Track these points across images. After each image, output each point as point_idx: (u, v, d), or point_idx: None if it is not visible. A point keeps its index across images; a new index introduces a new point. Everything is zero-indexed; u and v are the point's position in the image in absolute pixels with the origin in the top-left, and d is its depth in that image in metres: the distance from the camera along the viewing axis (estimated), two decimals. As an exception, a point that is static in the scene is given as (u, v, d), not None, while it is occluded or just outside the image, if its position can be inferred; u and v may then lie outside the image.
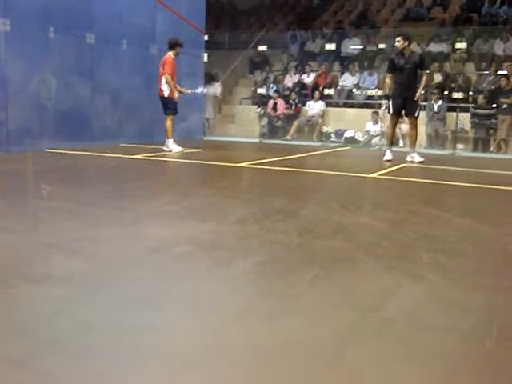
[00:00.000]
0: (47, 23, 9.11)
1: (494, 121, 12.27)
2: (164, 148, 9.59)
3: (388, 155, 9.13)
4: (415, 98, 8.85)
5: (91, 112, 10.06)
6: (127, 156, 8.52)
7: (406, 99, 8.86)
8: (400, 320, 2.47)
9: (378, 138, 12.82)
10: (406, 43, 8.91)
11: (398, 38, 8.96)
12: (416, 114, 9.00)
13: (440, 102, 12.64)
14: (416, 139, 9.24)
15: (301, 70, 15.25)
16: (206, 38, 13.32)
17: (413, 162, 8.96)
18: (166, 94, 9.56)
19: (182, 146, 9.77)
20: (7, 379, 1.87)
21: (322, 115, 13.80)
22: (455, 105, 12.52)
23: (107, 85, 10.31)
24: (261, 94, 14.84)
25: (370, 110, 13.27)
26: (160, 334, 2.26)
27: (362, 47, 15.28)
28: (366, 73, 14.39)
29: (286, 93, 14.63)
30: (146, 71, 11.24)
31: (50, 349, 2.10)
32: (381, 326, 2.41)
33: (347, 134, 13.24)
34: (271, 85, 14.99)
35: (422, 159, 8.97)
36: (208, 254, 3.46)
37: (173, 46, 9.59)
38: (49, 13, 9.11)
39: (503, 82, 12.43)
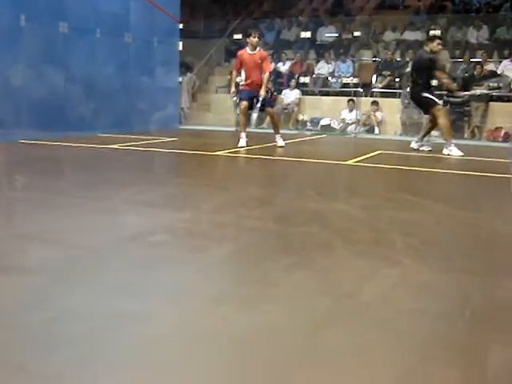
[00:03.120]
0: (18, 11, 8.94)
1: (466, 108, 12.38)
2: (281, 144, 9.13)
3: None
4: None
5: (66, 102, 9.93)
6: (103, 146, 8.45)
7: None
8: (375, 304, 2.50)
9: (353, 125, 12.88)
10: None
11: (440, 41, 8.95)
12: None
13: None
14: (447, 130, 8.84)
15: (276, 58, 15.22)
16: (180, 26, 13.22)
17: (449, 155, 8.60)
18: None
19: (159, 136, 9.70)
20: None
21: (298, 103, 13.80)
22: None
23: (81, 74, 10.17)
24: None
25: (345, 98, 13.30)
26: (138, 322, 2.26)
27: (337, 35, 15.29)
28: (339, 60, 14.42)
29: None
30: (120, 60, 11.14)
31: (24, 340, 2.08)
32: (356, 310, 2.44)
33: (323, 122, 13.26)
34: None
35: (461, 153, 8.56)
36: (184, 242, 3.47)
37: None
38: (20, 1, 8.95)
39: (477, 69, 12.55)
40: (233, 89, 9.27)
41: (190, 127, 13.14)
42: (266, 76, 8.86)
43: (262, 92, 8.80)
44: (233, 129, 13.14)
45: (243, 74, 9.30)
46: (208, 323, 2.27)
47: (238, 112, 12.61)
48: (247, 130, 8.94)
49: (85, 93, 10.31)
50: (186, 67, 14.56)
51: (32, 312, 2.32)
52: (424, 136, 9.12)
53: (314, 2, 17.82)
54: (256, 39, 9.07)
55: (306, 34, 15.11)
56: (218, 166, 7.35)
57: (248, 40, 9.04)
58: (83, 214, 4.11)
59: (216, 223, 3.93)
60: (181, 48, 13.35)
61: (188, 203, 4.66)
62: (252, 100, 8.97)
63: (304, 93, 14.02)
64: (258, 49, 9.05)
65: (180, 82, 13.86)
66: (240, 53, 9.10)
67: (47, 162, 7.08)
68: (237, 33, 15.12)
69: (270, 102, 9.53)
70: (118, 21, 11.01)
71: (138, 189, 5.18)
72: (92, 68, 10.40)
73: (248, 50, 8.98)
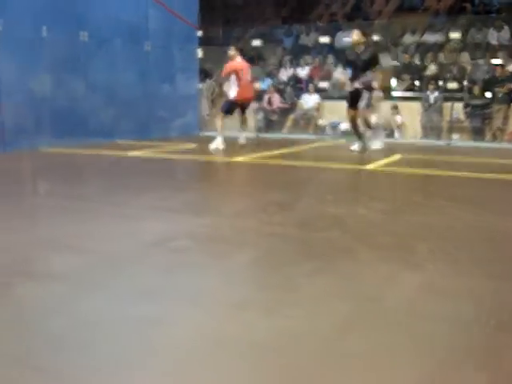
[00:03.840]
0: (40, 22, 9.07)
1: (488, 110, 12.26)
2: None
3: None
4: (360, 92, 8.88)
5: (86, 110, 10.03)
6: (123, 153, 8.51)
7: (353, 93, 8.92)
8: (399, 309, 2.48)
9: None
10: (362, 40, 8.88)
11: (357, 32, 8.91)
12: (357, 106, 8.95)
13: (436, 93, 12.62)
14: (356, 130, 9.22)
15: (295, 63, 15.22)
16: (199, 33, 13.28)
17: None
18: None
19: (179, 142, 9.76)
20: (7, 376, 1.87)
21: (317, 108, 13.78)
22: (450, 95, 12.51)
23: (101, 82, 10.27)
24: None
25: (364, 102, 13.24)
26: (159, 328, 2.27)
27: (356, 39, 15.22)
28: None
29: (281, 87, 14.61)
30: (140, 68, 11.23)
31: (48, 345, 2.10)
32: (380, 315, 2.42)
33: (342, 127, 13.21)
34: (266, 79, 14.97)
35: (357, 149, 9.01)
36: (206, 248, 3.47)
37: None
38: (41, 12, 9.06)
39: (498, 71, 12.44)
40: None
41: (209, 133, 13.17)
42: None
43: None
44: (252, 134, 13.16)
45: None
46: (230, 328, 2.27)
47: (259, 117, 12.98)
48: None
49: (105, 101, 10.41)
50: (205, 74, 14.63)
51: (54, 316, 2.34)
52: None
53: (332, 7, 17.80)
54: (230, 52, 9.80)
55: (325, 39, 15.10)
56: (238, 171, 7.36)
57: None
58: (104, 220, 4.14)
59: (237, 228, 3.94)
60: (200, 55, 13.41)
61: (209, 209, 4.67)
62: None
63: (323, 97, 13.99)
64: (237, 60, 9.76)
65: (200, 89, 13.91)
66: None
67: (69, 168, 7.16)
68: (255, 39, 15.15)
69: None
70: (137, 29, 11.11)
71: (158, 195, 5.21)
72: (112, 76, 10.50)
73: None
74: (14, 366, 1.95)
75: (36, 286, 2.73)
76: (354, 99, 8.88)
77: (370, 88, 8.82)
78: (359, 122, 9.08)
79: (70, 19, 9.59)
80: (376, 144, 9.18)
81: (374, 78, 8.81)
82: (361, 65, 8.74)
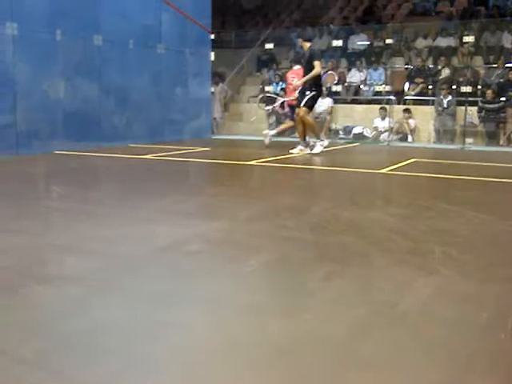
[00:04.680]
0: (54, 26, 9.12)
1: (502, 114, 12.18)
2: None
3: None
4: (304, 90, 9.40)
5: (100, 113, 10.08)
6: (136, 156, 8.54)
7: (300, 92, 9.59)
8: (414, 314, 2.46)
9: (386, 133, 12.77)
10: (300, 41, 9.92)
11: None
12: (301, 104, 9.40)
13: (449, 97, 12.56)
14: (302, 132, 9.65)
15: (308, 67, 15.20)
16: (212, 36, 13.31)
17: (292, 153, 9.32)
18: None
19: (191, 146, 9.77)
20: (23, 380, 1.87)
21: (330, 112, 13.75)
22: (464, 99, 12.44)
23: (115, 85, 10.32)
24: (268, 92, 14.79)
25: (377, 106, 13.21)
26: (173, 331, 2.26)
27: (368, 43, 15.22)
28: (371, 68, 14.35)
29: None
30: (153, 71, 11.27)
31: (64, 349, 2.10)
32: (395, 320, 2.41)
33: (355, 131, 13.19)
34: (280, 82, 14.95)
35: (298, 151, 9.37)
36: (220, 252, 3.47)
37: None
38: (55, 15, 9.12)
39: (512, 74, 12.36)
40: None
41: (222, 137, 13.19)
42: None
43: None
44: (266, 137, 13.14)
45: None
46: (245, 332, 2.26)
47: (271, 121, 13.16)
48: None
49: (118, 104, 10.46)
50: (218, 77, 14.65)
51: (70, 321, 2.34)
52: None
53: (344, 11, 17.79)
54: None
55: (338, 43, 15.08)
56: (252, 175, 7.35)
57: None
58: (118, 224, 4.14)
59: (251, 232, 3.93)
60: (213, 58, 13.43)
61: (223, 213, 4.67)
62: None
63: (336, 101, 13.97)
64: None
65: (212, 92, 13.94)
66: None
67: (82, 172, 7.18)
68: (268, 42, 15.16)
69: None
70: (150, 32, 11.16)
71: (172, 198, 5.21)
72: (126, 79, 10.55)
73: None
74: (29, 369, 1.95)
75: (50, 289, 2.74)
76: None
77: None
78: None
79: (84, 23, 9.64)
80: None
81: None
82: (305, 64, 9.64)
